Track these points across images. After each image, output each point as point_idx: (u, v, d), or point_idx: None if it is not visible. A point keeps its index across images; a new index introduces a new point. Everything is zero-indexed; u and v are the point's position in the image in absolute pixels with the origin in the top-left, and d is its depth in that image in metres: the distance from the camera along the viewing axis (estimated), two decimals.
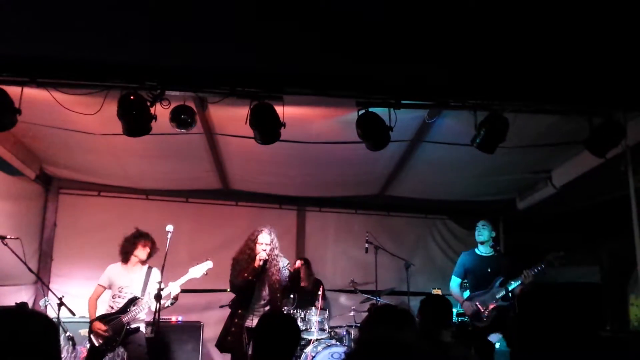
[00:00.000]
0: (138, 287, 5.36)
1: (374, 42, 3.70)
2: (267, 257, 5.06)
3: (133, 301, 5.27)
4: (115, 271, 5.39)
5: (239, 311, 5.06)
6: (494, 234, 5.91)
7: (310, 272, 7.11)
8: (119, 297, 5.29)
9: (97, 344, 5.05)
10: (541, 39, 3.65)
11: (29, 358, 1.60)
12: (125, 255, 5.39)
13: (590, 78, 4.02)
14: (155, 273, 5.43)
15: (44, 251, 6.76)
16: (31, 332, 1.66)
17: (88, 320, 5.25)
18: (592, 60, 3.84)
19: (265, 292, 5.17)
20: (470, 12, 3.44)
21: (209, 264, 5.41)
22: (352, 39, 3.64)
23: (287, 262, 5.40)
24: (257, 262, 5.05)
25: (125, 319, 5.17)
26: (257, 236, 5.19)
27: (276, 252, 5.22)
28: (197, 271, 5.36)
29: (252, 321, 5.01)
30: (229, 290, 5.28)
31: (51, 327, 1.75)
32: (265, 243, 5.13)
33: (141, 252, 5.38)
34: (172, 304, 5.25)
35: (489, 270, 5.72)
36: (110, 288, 5.34)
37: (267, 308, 5.16)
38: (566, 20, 3.48)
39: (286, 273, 5.29)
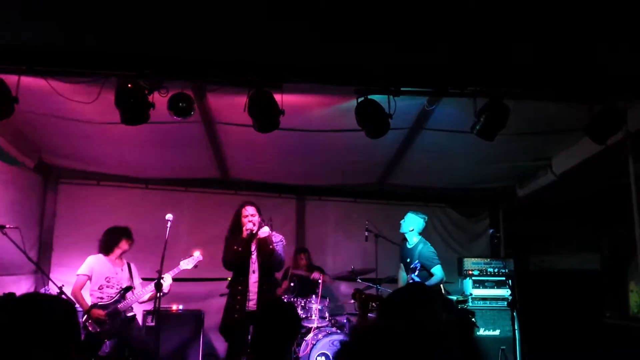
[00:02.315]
0: (125, 279, 5.42)
1: (372, 29, 3.67)
2: (253, 227, 5.07)
3: (127, 290, 5.32)
4: (98, 262, 5.40)
5: (239, 288, 5.04)
6: (422, 224, 6.13)
7: (310, 261, 7.13)
8: (108, 287, 5.30)
9: (93, 331, 5.05)
10: (541, 25, 3.62)
11: (52, 343, 1.63)
12: (109, 248, 5.43)
13: (591, 64, 3.99)
14: (134, 268, 5.59)
15: (43, 241, 6.76)
16: (55, 316, 1.69)
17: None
18: (592, 46, 3.82)
19: (259, 267, 5.10)
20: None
21: (198, 257, 5.47)
22: (350, 26, 3.61)
23: (281, 237, 5.36)
24: (245, 233, 5.06)
25: (122, 307, 5.21)
26: (241, 210, 5.22)
27: (265, 226, 5.21)
28: (188, 263, 5.42)
29: (252, 302, 5.00)
30: (224, 266, 5.21)
31: (72, 311, 1.78)
32: (250, 214, 5.15)
33: (125, 245, 5.46)
34: (164, 294, 5.19)
35: (408, 260, 6.01)
36: (91, 279, 5.33)
37: (264, 286, 5.09)
38: (566, 6, 3.45)
39: (280, 248, 5.24)
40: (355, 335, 1.47)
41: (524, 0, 3.45)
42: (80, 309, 5.14)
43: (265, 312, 2.86)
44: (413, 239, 6.11)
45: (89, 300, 5.25)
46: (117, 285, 5.34)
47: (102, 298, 5.25)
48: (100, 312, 5.11)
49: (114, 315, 5.17)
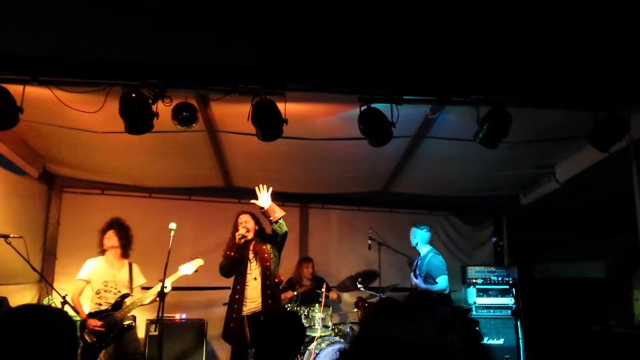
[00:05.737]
0: (123, 282, 5.33)
1: (375, 38, 3.69)
2: (247, 233, 5.04)
3: (125, 297, 5.21)
4: (95, 265, 5.32)
5: (236, 296, 5.03)
6: (425, 235, 6.27)
7: (312, 270, 7.12)
8: (106, 291, 5.23)
9: (90, 342, 4.97)
10: (544, 32, 3.63)
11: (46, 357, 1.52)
12: (100, 244, 5.37)
13: (595, 71, 3.99)
14: (136, 269, 5.47)
15: (47, 250, 6.77)
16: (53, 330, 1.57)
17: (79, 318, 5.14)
18: (596, 53, 3.82)
19: (257, 275, 5.08)
20: (472, 6, 3.43)
21: (199, 262, 5.38)
22: (353, 34, 3.63)
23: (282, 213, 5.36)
24: (237, 238, 5.02)
25: (118, 315, 5.11)
26: (236, 219, 5.22)
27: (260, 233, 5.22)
28: (187, 269, 5.30)
29: (251, 309, 4.98)
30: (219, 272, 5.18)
31: (73, 328, 1.67)
32: (245, 221, 5.15)
33: (112, 235, 5.37)
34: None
35: (415, 270, 6.20)
36: (90, 283, 5.27)
37: (268, 291, 5.07)
38: (570, 13, 3.46)
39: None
40: (354, 343, 1.46)
41: (526, 7, 3.46)
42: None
43: (270, 321, 2.85)
44: (423, 250, 6.25)
45: (88, 307, 5.21)
46: (115, 289, 5.25)
47: (100, 304, 5.17)
48: (96, 323, 5.01)
49: (110, 325, 5.06)
